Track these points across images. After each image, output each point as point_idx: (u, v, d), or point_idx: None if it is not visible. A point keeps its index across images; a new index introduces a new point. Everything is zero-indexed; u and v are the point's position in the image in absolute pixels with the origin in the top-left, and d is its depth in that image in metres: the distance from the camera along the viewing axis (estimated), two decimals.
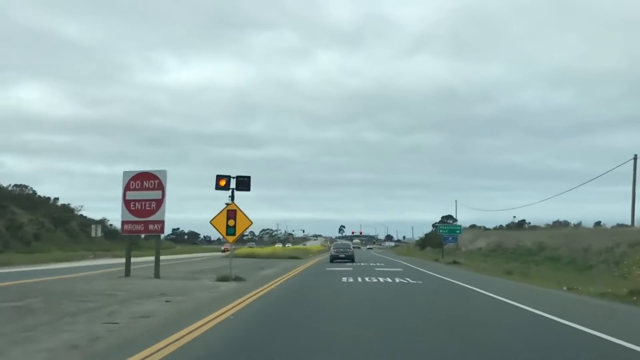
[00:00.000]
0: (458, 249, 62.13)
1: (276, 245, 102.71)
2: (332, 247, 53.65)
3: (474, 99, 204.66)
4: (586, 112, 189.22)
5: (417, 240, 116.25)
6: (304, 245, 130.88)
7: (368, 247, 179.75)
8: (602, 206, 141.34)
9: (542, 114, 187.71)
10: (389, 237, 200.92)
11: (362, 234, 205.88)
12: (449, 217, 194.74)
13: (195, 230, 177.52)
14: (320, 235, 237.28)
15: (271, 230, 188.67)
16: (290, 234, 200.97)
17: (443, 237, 62.53)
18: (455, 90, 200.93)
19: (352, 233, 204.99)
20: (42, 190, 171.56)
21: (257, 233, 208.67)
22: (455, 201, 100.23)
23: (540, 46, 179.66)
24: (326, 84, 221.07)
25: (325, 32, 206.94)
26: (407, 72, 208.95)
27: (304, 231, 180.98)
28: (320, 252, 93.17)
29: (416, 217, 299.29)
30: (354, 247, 65.92)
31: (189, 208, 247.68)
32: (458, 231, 62.48)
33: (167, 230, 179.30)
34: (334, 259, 44.75)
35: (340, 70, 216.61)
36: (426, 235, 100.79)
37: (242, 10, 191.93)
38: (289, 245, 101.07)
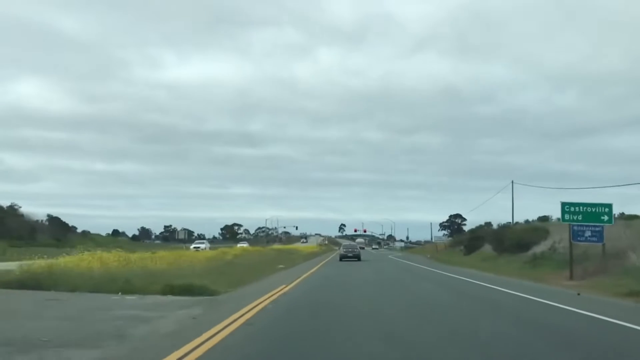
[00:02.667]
0: (617, 258, 25.91)
1: (194, 246, 61.04)
2: (341, 247, 58.73)
3: (476, 100, 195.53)
4: (589, 114, 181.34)
5: (451, 240, 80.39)
6: (275, 245, 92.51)
7: (373, 247, 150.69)
8: None
9: (545, 115, 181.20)
10: (390, 237, 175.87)
11: (366, 232, 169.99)
12: (458, 215, 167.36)
13: (190, 228, 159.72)
14: (319, 234, 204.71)
15: (267, 228, 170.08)
16: (285, 232, 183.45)
17: (573, 232, 27.13)
18: (458, 90, 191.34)
19: (355, 231, 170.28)
20: (41, 188, 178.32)
21: (252, 231, 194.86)
22: (512, 182, 64.08)
23: (544, 47, 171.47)
24: (327, 83, 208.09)
25: (327, 29, 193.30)
26: (410, 71, 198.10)
27: (297, 228, 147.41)
28: (312, 257, 57.32)
29: (415, 217, 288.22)
30: (360, 247, 69.23)
31: (189, 206, 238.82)
32: (606, 218, 26.96)
33: (159, 228, 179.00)
34: (343, 258, 49.79)
35: (341, 69, 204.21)
36: (472, 231, 64.27)
37: (243, 6, 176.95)
38: (243, 245, 59.56)
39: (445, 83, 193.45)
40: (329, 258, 56.71)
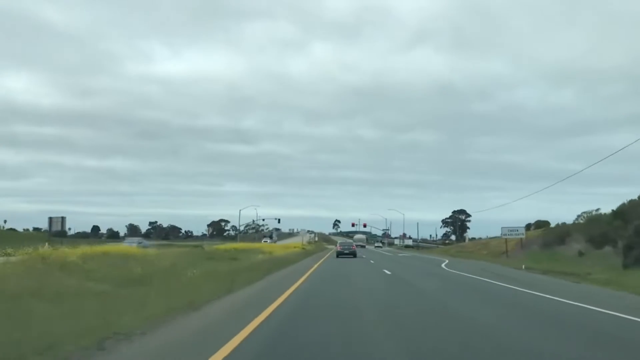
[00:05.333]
0: None
1: None
2: (338, 245, 53.98)
3: (472, 96, 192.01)
4: (587, 112, 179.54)
5: (538, 231, 46.10)
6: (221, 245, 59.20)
7: (376, 245, 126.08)
8: None
9: (541, 113, 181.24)
10: (385, 234, 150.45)
11: (366, 226, 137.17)
12: (462, 211, 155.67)
13: (177, 225, 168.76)
14: (312, 231, 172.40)
15: (257, 225, 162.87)
16: (276, 228, 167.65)
17: None
18: (454, 86, 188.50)
19: (353, 226, 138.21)
20: (33, 184, 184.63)
21: (241, 229, 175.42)
22: None
23: (542, 42, 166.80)
24: (322, 78, 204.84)
25: (321, 23, 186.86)
26: (406, 67, 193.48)
27: (279, 221, 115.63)
28: (277, 264, 22.37)
29: (410, 216, 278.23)
30: (360, 246, 72.80)
31: (181, 204, 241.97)
32: None
33: (145, 225, 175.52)
34: (339, 254, 46.97)
35: (336, 63, 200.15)
36: (619, 215, 29.19)
37: None
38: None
39: (442, 79, 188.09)
40: (309, 274, 22.49)
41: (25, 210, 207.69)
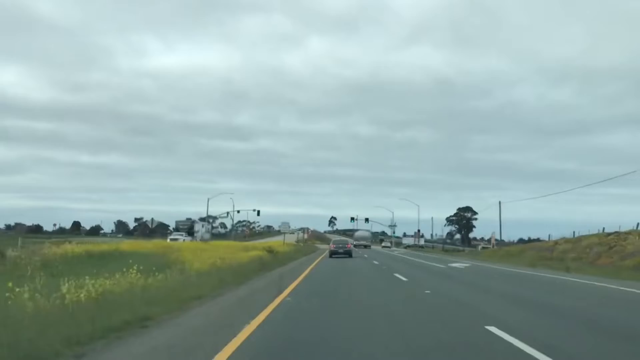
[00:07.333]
0: None
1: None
2: (331, 243, 50.38)
3: (471, 94, 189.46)
4: (586, 110, 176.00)
5: None
6: None
7: (383, 245, 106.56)
8: None
9: (541, 111, 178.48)
10: (384, 234, 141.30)
11: (368, 221, 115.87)
12: (468, 209, 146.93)
13: (165, 222, 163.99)
14: (303, 229, 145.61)
15: (248, 222, 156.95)
16: (268, 225, 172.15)
17: None
18: (452, 83, 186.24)
19: (352, 220, 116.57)
20: (26, 180, 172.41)
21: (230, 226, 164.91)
22: None
23: (541, 39, 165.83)
24: (318, 74, 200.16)
25: (318, 17, 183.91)
26: (403, 63, 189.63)
27: (258, 213, 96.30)
28: None
29: (408, 214, 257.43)
30: (363, 245, 77.84)
31: (175, 200, 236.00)
32: None
33: (131, 222, 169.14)
34: (333, 254, 44.04)
35: (333, 59, 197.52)
36: None
37: None
38: None
39: (440, 76, 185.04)
40: None
41: (16, 207, 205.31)
